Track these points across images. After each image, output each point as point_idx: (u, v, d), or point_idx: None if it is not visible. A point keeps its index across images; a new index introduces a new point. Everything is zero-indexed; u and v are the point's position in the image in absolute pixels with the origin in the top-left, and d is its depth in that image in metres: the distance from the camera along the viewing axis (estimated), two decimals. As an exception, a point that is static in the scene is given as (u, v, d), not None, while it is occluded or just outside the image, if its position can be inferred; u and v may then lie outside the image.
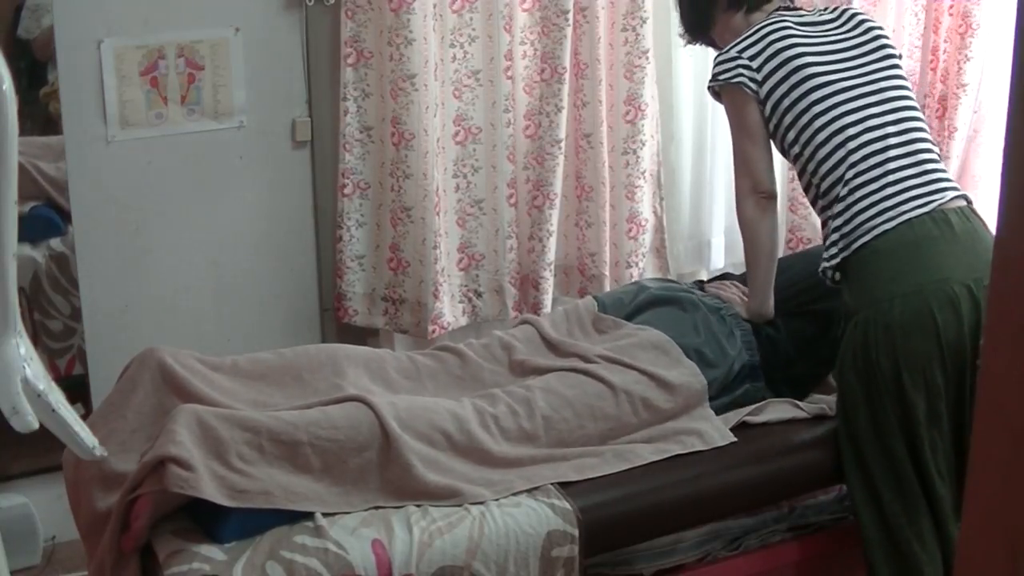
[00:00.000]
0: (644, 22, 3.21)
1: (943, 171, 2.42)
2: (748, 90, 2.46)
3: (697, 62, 3.46)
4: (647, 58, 3.24)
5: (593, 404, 2.33)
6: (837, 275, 2.40)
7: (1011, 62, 0.97)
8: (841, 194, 2.37)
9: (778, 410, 2.50)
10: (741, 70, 2.46)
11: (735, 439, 2.38)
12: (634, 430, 2.36)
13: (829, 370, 2.59)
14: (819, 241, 3.14)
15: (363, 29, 2.97)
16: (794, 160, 2.49)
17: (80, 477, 2.19)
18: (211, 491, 1.97)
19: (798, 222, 3.58)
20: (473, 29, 3.10)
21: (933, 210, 2.31)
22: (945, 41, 3.63)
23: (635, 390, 2.36)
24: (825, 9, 2.63)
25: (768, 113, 2.47)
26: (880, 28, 2.57)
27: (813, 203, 2.51)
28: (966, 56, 3.62)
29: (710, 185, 3.57)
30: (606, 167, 3.27)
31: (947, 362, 2.21)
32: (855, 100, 2.42)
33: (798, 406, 2.51)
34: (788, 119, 2.44)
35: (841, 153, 2.38)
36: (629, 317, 2.63)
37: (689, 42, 2.78)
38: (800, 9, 2.66)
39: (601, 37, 3.18)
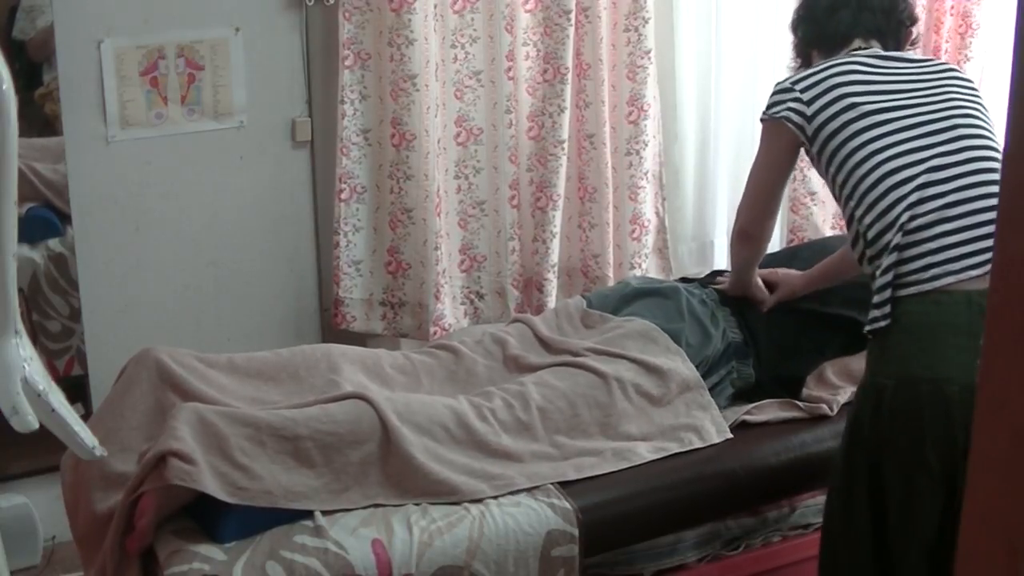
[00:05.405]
0: (646, 22, 3.20)
1: None
2: (791, 124, 2.27)
3: (699, 62, 3.45)
4: (649, 58, 3.24)
5: (586, 393, 2.36)
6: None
7: (1011, 62, 0.97)
8: (892, 241, 2.08)
9: (778, 410, 2.52)
10: (790, 103, 2.28)
11: (731, 436, 2.40)
12: (630, 417, 2.37)
13: (808, 369, 2.61)
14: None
15: (361, 31, 2.96)
16: (844, 204, 2.23)
17: (79, 479, 2.19)
18: (212, 486, 1.98)
19: (799, 222, 3.58)
20: (474, 29, 3.09)
21: (985, 273, 1.98)
22: (946, 41, 3.63)
23: (626, 377, 2.40)
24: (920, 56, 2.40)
25: (817, 150, 2.26)
26: (970, 80, 2.34)
27: (860, 258, 2.20)
28: (966, 56, 3.61)
29: (713, 186, 3.57)
30: (609, 168, 3.27)
31: (930, 460, 2.01)
32: (919, 139, 2.17)
33: (798, 406, 2.52)
34: (839, 157, 2.21)
35: (895, 195, 2.11)
36: (616, 311, 2.68)
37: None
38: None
39: (603, 37, 3.18)
